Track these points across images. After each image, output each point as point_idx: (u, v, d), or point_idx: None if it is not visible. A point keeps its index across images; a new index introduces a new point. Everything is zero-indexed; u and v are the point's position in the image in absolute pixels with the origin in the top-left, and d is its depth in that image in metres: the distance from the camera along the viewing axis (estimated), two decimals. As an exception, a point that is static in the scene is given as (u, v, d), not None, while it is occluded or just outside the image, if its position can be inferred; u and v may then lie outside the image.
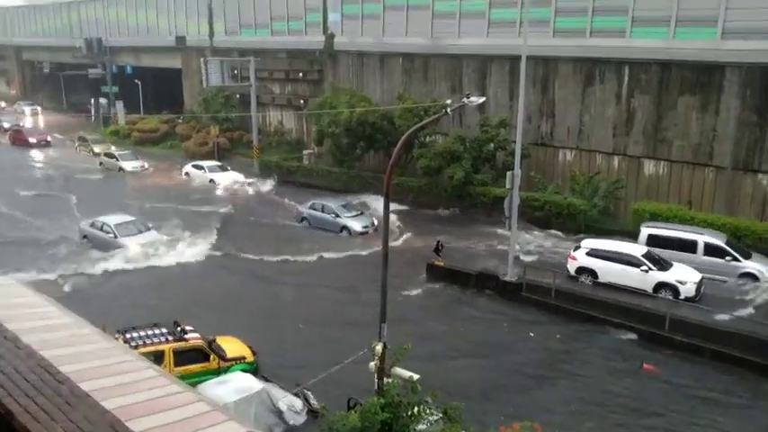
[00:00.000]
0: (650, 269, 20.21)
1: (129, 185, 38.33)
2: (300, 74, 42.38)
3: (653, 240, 22.22)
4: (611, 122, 28.90)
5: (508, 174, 21.18)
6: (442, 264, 23.29)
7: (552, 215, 27.88)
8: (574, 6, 29.00)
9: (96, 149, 46.51)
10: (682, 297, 19.56)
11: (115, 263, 23.95)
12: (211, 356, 15.77)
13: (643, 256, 20.61)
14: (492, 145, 30.14)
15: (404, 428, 9.66)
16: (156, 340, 15.32)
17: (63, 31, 66.46)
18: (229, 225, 29.54)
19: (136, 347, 14.43)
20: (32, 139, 50.56)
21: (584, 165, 29.91)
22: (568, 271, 21.79)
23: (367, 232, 27.77)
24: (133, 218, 27.21)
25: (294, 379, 15.17)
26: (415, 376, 10.83)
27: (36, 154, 47.89)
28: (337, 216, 28.45)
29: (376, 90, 37.66)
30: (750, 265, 21.06)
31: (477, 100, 14.99)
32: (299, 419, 14.06)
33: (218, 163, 39.88)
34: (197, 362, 15.56)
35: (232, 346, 16.58)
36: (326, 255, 25.49)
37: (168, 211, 30.90)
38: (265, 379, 15.33)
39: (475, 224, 28.98)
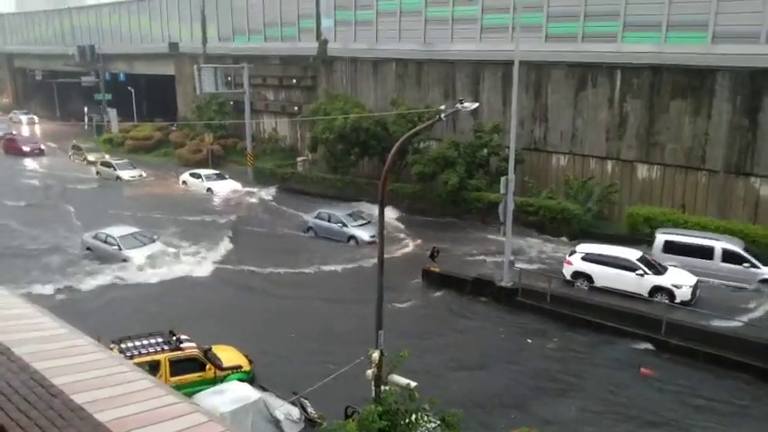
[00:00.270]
0: (646, 273, 20.24)
1: (128, 195, 37.87)
2: (294, 80, 42.43)
3: (669, 246, 21.99)
4: (603, 127, 29.02)
5: (502, 179, 21.21)
6: (437, 270, 23.29)
7: (546, 220, 27.94)
8: (566, 12, 29.15)
9: (90, 158, 46.35)
10: (677, 301, 19.58)
11: (120, 275, 23.38)
12: (207, 366, 15.66)
13: (638, 260, 20.65)
14: (486, 150, 30.22)
15: (401, 436, 9.62)
16: (151, 350, 15.19)
17: (55, 39, 66.34)
18: (233, 236, 28.91)
19: (131, 357, 14.31)
20: (26, 148, 50.32)
21: (578, 169, 30.01)
22: (564, 276, 21.81)
23: (374, 241, 27.45)
24: (137, 229, 26.67)
25: (291, 387, 15.08)
26: (413, 383, 10.79)
27: (30, 163, 47.56)
28: (344, 225, 28.11)
29: (370, 96, 37.72)
30: None
31: (470, 105, 14.97)
32: (297, 428, 13.97)
33: (216, 171, 39.71)
34: (193, 371, 15.44)
35: (228, 355, 16.48)
36: (339, 267, 24.91)
37: (170, 221, 30.58)
38: (262, 388, 15.24)
39: (469, 229, 29.01)
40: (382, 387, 11.15)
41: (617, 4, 27.50)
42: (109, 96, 58.08)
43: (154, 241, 25.83)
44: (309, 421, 14.15)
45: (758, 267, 20.72)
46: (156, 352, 15.13)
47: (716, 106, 25.87)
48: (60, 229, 29.42)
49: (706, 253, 21.42)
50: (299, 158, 41.19)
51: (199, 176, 38.58)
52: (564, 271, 21.94)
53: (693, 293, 19.89)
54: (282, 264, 25.30)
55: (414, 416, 9.81)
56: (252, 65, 41.62)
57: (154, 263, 24.27)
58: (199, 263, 25.14)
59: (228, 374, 15.72)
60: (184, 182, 39.18)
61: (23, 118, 66.96)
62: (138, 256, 24.44)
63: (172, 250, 25.63)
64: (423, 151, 32.34)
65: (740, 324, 18.14)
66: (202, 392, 14.26)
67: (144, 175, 41.55)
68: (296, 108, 42.33)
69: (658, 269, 20.61)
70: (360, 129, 33.23)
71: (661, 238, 22.45)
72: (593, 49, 28.38)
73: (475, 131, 30.74)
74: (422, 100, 34.41)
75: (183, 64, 51.17)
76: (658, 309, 19.00)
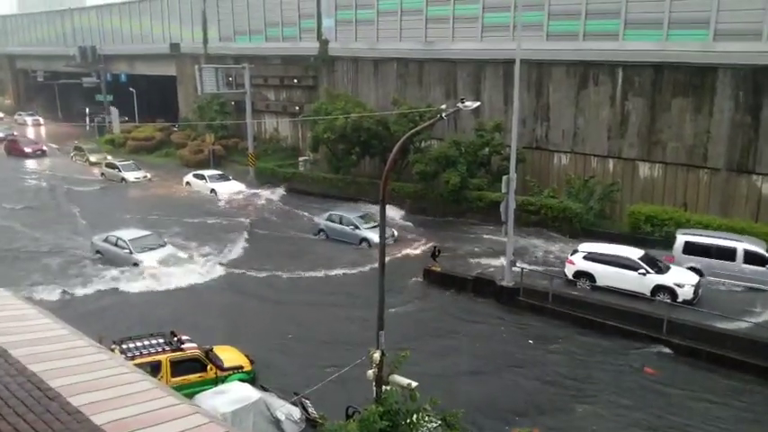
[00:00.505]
0: (648, 272, 20.19)
1: (133, 197, 37.65)
2: (295, 80, 42.43)
3: (689, 248, 21.57)
4: (605, 125, 28.97)
5: (504, 178, 21.15)
6: (438, 269, 23.26)
7: (548, 219, 27.90)
8: (567, 10, 29.09)
9: (92, 159, 46.38)
10: (680, 300, 19.51)
11: (132, 279, 23.11)
12: (209, 366, 15.67)
13: (640, 259, 20.61)
14: (487, 149, 30.18)
15: (403, 436, 9.60)
16: (152, 350, 15.20)
17: (57, 40, 66.43)
18: (242, 239, 28.54)
19: (132, 358, 14.32)
20: (28, 149, 50.38)
21: (580, 168, 29.96)
22: (566, 275, 21.77)
23: (387, 243, 27.23)
24: (148, 232, 26.25)
25: (292, 388, 15.07)
26: (414, 383, 10.77)
27: (33, 164, 47.59)
28: (356, 228, 27.68)
29: (371, 96, 37.70)
30: None
31: (471, 104, 14.91)
32: (298, 429, 13.96)
33: (220, 172, 39.59)
34: (194, 372, 15.44)
35: (229, 356, 16.48)
36: (356, 269, 24.45)
37: (177, 224, 30.36)
38: (263, 388, 15.24)
39: (471, 229, 28.97)
40: (383, 387, 11.13)
41: (618, 2, 27.44)
42: (110, 97, 58.17)
43: (164, 244, 25.47)
44: (310, 421, 14.14)
45: None
46: (157, 353, 15.14)
47: (718, 104, 25.80)
48: (68, 233, 29.14)
49: (728, 254, 20.96)
50: (301, 158, 41.19)
51: (202, 177, 38.50)
52: (566, 270, 21.92)
53: (696, 292, 19.83)
54: (296, 267, 24.71)
55: (415, 416, 9.79)
56: (253, 65, 41.62)
57: (165, 267, 23.82)
58: (209, 267, 24.63)
59: (230, 375, 15.72)
60: (188, 183, 39.14)
61: (29, 119, 66.98)
62: (149, 259, 24.06)
63: (182, 254, 25.27)
64: (424, 150, 32.31)
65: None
66: (203, 393, 14.28)
67: (149, 176, 41.28)
68: (297, 108, 42.32)
69: (660, 268, 20.56)
70: (361, 128, 33.21)
71: (681, 238, 21.97)
72: (594, 47, 28.33)
73: (476, 130, 30.71)
74: (423, 99, 34.39)
75: (184, 64, 51.20)
76: (660, 307, 18.90)
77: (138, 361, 14.01)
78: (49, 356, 4.69)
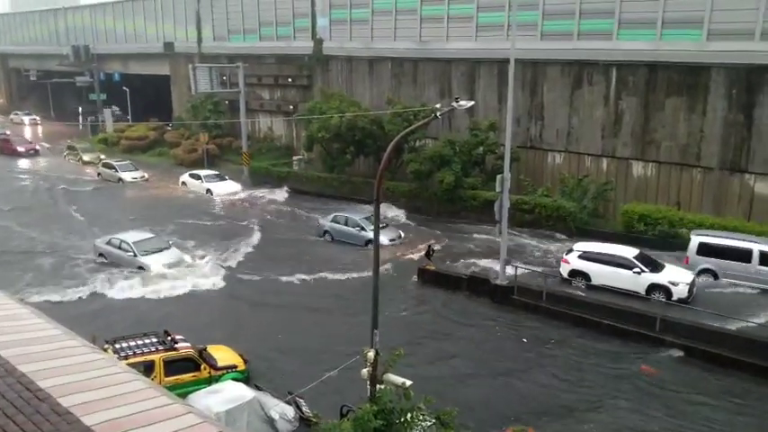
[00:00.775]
0: (642, 271, 20.24)
1: (130, 197, 37.29)
2: (290, 79, 42.35)
3: (704, 249, 21.14)
4: (599, 125, 29.04)
5: (498, 177, 21.17)
6: (433, 268, 23.27)
7: (542, 218, 27.96)
8: (561, 9, 29.15)
9: (85, 158, 46.18)
10: (674, 298, 19.56)
11: (135, 282, 22.63)
12: (202, 365, 15.62)
13: (635, 257, 20.66)
14: (481, 148, 30.23)
15: (397, 435, 9.59)
16: (146, 350, 15.14)
17: (50, 39, 66.08)
18: (246, 241, 28.04)
19: (126, 358, 14.27)
20: (21, 148, 50.15)
21: (574, 167, 30.03)
22: (561, 274, 21.79)
23: (395, 244, 26.92)
24: (152, 234, 25.83)
25: (286, 387, 15.03)
26: (408, 382, 10.76)
27: (26, 164, 47.33)
28: (362, 229, 27.16)
29: (365, 95, 37.68)
30: None
31: (466, 104, 14.90)
32: (292, 428, 13.94)
33: (216, 172, 39.42)
34: (188, 371, 15.38)
35: (223, 355, 16.44)
36: (364, 273, 23.45)
37: (178, 225, 30.09)
38: (257, 387, 15.21)
39: (465, 228, 29.01)
40: (377, 386, 11.12)
41: (612, 2, 27.52)
42: (104, 96, 57.91)
43: (169, 247, 25.00)
44: (304, 421, 14.12)
45: None
46: (150, 352, 15.08)
47: (711, 103, 25.92)
48: (69, 235, 28.67)
49: (743, 256, 20.48)
50: (295, 157, 41.11)
51: (198, 177, 38.32)
52: (561, 270, 21.95)
53: (690, 290, 19.88)
54: (303, 270, 24.27)
55: (409, 415, 9.78)
56: (247, 64, 41.52)
57: (171, 270, 23.42)
58: (215, 270, 24.06)
59: (223, 374, 15.68)
60: (184, 183, 38.97)
61: (26, 119, 66.53)
62: (154, 263, 23.57)
63: (187, 257, 24.91)
64: (418, 150, 32.33)
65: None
66: (197, 392, 14.23)
67: (146, 176, 40.95)
68: (291, 107, 42.25)
69: (655, 266, 20.61)
70: (355, 127, 33.19)
71: (696, 239, 21.54)
72: (588, 46, 28.40)
73: (471, 130, 30.75)
74: (417, 98, 34.40)
75: (178, 64, 51.02)
76: (653, 305, 18.95)
77: (132, 361, 13.95)
78: (40, 357, 4.65)
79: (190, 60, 46.55)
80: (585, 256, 21.44)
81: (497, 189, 21.23)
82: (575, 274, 21.48)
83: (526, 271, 22.12)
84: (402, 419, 9.73)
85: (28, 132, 61.34)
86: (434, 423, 10.09)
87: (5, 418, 3.08)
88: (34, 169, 45.18)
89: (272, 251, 27.16)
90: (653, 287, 19.99)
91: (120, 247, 24.64)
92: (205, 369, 15.60)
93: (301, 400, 14.56)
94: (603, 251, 21.45)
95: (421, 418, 9.89)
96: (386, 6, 35.99)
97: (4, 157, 49.18)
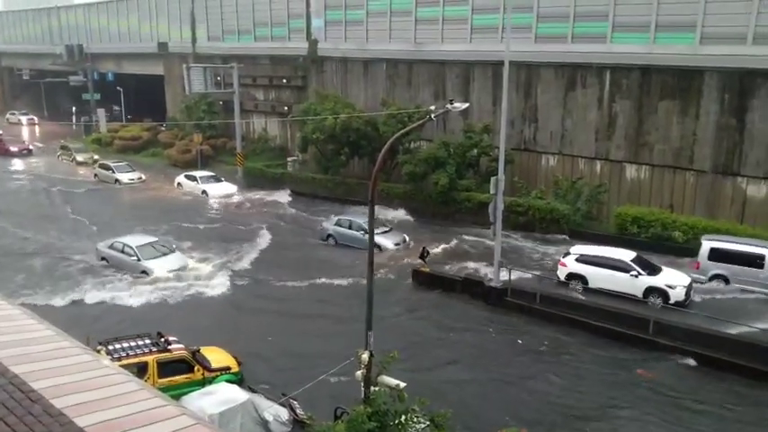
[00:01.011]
0: (639, 274, 20.27)
1: (128, 199, 36.91)
2: (284, 80, 42.32)
3: (715, 254, 20.96)
4: (593, 127, 29.16)
5: (492, 179, 21.22)
6: (427, 270, 23.28)
7: (536, 220, 28.04)
8: (555, 12, 29.26)
9: (79, 158, 45.93)
10: (671, 302, 19.55)
11: (139, 286, 22.32)
12: (196, 367, 15.56)
13: (632, 261, 20.70)
14: (476, 150, 30.29)
15: (391, 437, 9.58)
16: (139, 351, 15.08)
17: (43, 38, 65.78)
18: (249, 244, 27.66)
19: (119, 359, 14.21)
20: (13, 148, 49.92)
21: (567, 169, 30.13)
22: (558, 277, 21.81)
23: (400, 248, 26.75)
24: (155, 238, 25.44)
25: (280, 389, 14.99)
26: (402, 384, 10.76)
27: (19, 164, 47.00)
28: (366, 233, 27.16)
29: (360, 96, 37.69)
30: None
31: (460, 106, 14.96)
32: (285, 430, 13.91)
33: (211, 173, 39.16)
34: (181, 373, 15.33)
35: (217, 357, 16.38)
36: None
37: (179, 228, 29.79)
38: (251, 389, 15.17)
39: (459, 230, 29.01)
40: (371, 388, 11.11)
41: (606, 5, 27.65)
42: (97, 96, 57.68)
43: (173, 251, 24.65)
44: (298, 422, 14.09)
45: None
46: (143, 354, 15.02)
47: (704, 107, 26.07)
48: (69, 238, 28.23)
49: (755, 261, 20.30)
50: (290, 158, 41.06)
51: (194, 179, 38.08)
52: (558, 273, 21.98)
53: (687, 294, 19.92)
54: (308, 275, 23.93)
55: (403, 417, 9.78)
56: (241, 64, 41.47)
57: (175, 274, 23.08)
58: (219, 274, 23.70)
59: (217, 376, 15.63)
60: (179, 184, 38.77)
61: (24, 119, 66.08)
62: (158, 267, 23.18)
63: (191, 260, 24.59)
64: (413, 151, 32.35)
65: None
66: (191, 394, 14.18)
67: (143, 177, 40.57)
68: (286, 108, 42.21)
69: (652, 270, 20.64)
70: (350, 129, 33.19)
71: (707, 244, 21.33)
72: (582, 49, 28.52)
73: (465, 132, 30.80)
74: (412, 100, 34.43)
75: (172, 64, 50.89)
76: (650, 309, 18.96)
77: (125, 362, 13.91)
78: (33, 357, 4.62)
79: (184, 60, 46.47)
80: (583, 260, 21.48)
81: (492, 191, 21.27)
82: (572, 277, 21.50)
83: (521, 273, 22.16)
84: (396, 421, 9.72)
85: (25, 133, 60.89)
86: (428, 425, 10.09)
87: (-2, 420, 3.07)
88: (29, 170, 44.69)
89: (275, 256, 26.70)
90: (650, 290, 20.02)
91: (122, 251, 24.16)
92: (199, 371, 15.55)
93: (295, 402, 14.53)
94: (601, 254, 21.49)
95: (415, 420, 9.88)
96: (381, 8, 36.03)
97: (-2, 156, 48.94)
